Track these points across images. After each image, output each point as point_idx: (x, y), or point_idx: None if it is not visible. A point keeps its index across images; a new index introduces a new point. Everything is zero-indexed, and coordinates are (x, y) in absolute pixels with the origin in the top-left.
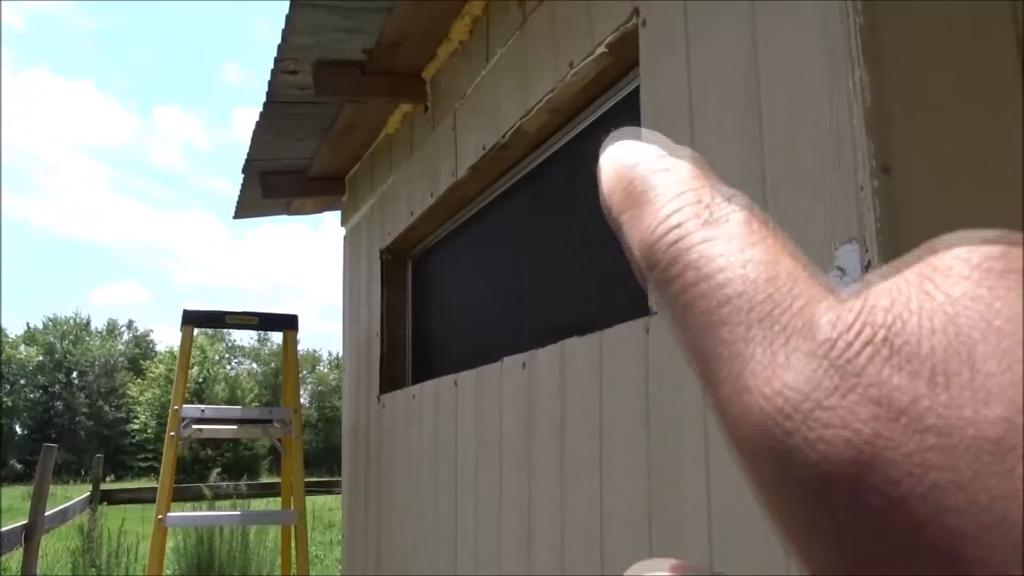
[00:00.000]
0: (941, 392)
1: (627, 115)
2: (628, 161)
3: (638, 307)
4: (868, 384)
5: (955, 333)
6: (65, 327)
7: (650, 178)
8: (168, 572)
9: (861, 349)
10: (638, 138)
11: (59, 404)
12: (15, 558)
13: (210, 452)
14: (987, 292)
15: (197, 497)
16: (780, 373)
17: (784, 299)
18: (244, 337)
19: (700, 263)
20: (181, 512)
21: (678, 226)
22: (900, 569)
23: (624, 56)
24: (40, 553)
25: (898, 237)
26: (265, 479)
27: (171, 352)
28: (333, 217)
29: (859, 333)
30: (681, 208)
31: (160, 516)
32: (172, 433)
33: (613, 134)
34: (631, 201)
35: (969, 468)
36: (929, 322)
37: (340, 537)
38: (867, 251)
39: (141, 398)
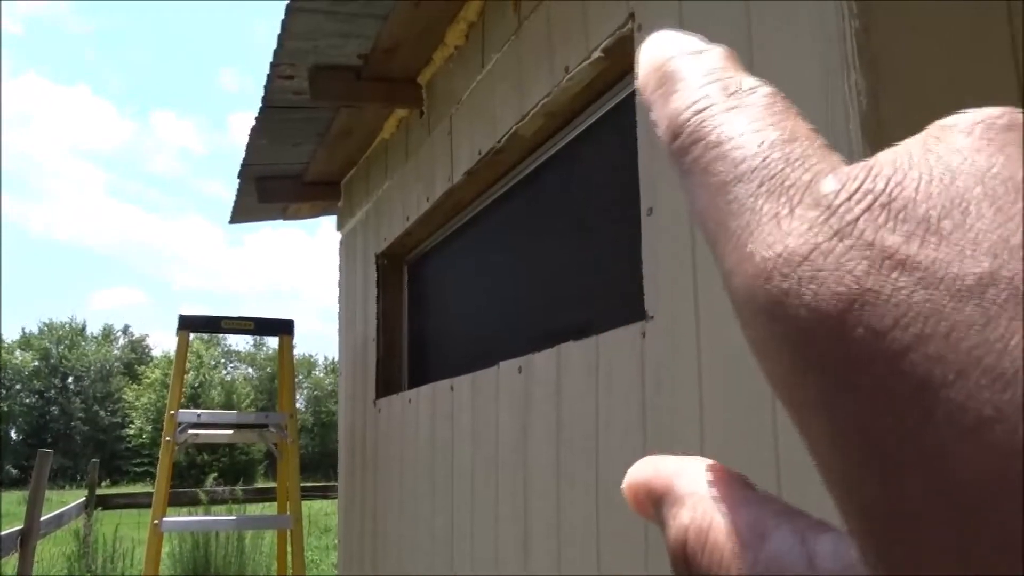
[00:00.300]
0: (934, 245)
1: (623, 120)
2: (663, 49)
3: (634, 311)
4: (862, 239)
5: (952, 187)
6: (61, 332)
7: (683, 62)
8: None
9: (858, 208)
10: (677, 32)
11: (55, 409)
12: (11, 563)
13: (206, 457)
14: (986, 145)
15: (193, 502)
16: (781, 229)
17: (795, 164)
18: (240, 342)
19: (721, 130)
20: (177, 517)
21: (704, 98)
22: (879, 399)
23: (620, 60)
24: (36, 558)
25: None
26: (261, 484)
27: (167, 357)
28: (329, 222)
29: (858, 193)
30: (708, 85)
31: (156, 521)
32: (168, 438)
33: (653, 34)
34: (662, 82)
35: (951, 307)
36: (928, 179)
37: (336, 542)
38: None
39: (137, 403)
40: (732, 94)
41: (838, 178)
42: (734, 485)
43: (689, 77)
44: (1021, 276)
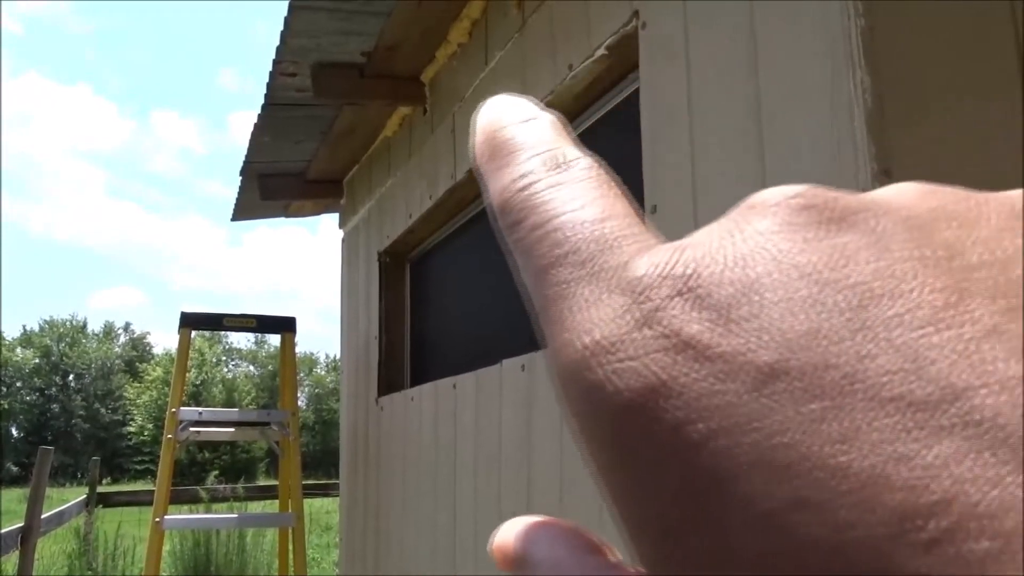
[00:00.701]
0: (730, 335)
1: (626, 117)
2: (495, 116)
3: None
4: (664, 328)
5: (747, 274)
6: (62, 329)
7: (512, 132)
8: (164, 574)
9: (662, 294)
10: (509, 99)
11: (55, 407)
12: (11, 561)
13: (207, 455)
14: (780, 229)
15: (194, 500)
16: (593, 317)
17: (611, 243)
18: (241, 340)
19: (542, 210)
20: (178, 515)
21: (528, 174)
22: (682, 494)
23: (623, 58)
24: (36, 556)
25: None
26: (262, 482)
27: (168, 355)
28: (330, 220)
29: (663, 279)
30: (533, 159)
31: (157, 519)
32: (170, 436)
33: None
34: (493, 155)
35: (743, 399)
36: (726, 264)
37: (337, 540)
38: None
39: (138, 401)
40: (554, 169)
41: (646, 262)
42: (587, 552)
43: (516, 150)
44: (803, 367)
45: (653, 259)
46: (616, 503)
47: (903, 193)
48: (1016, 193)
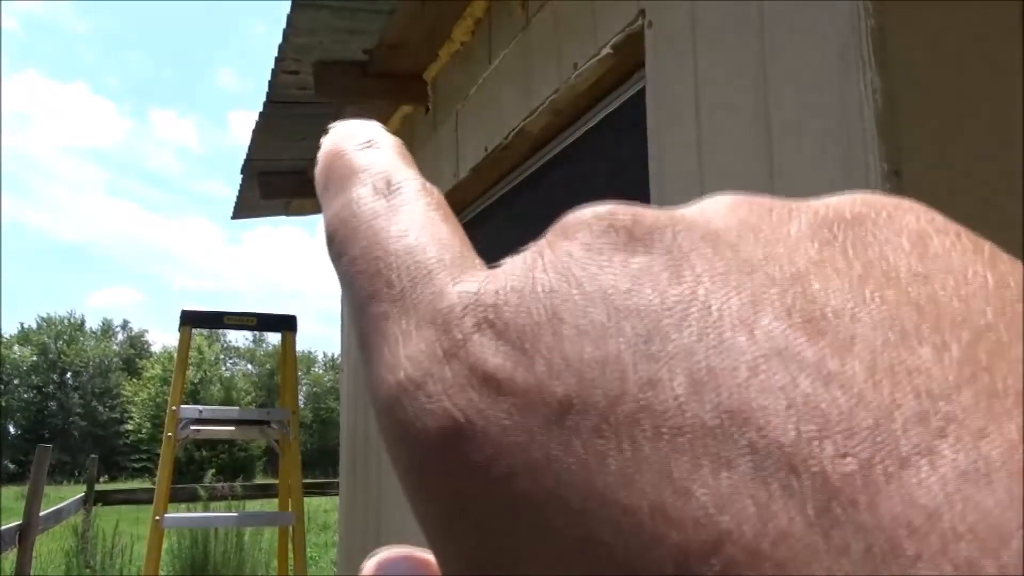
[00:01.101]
0: (530, 367)
1: (632, 116)
2: (334, 143)
3: None
4: (468, 362)
5: (550, 299)
6: (59, 327)
7: (348, 158)
8: (163, 574)
9: (467, 325)
10: (356, 124)
11: (53, 404)
12: (9, 558)
13: (205, 453)
14: (584, 252)
15: (192, 498)
16: (402, 353)
17: (428, 272)
18: (239, 338)
19: (363, 238)
20: (178, 513)
21: (352, 203)
22: (483, 535)
23: (629, 57)
24: (34, 554)
25: None
26: (260, 480)
27: (167, 353)
28: None
29: (470, 306)
30: (361, 187)
31: (157, 517)
32: (170, 434)
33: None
34: (327, 183)
35: (539, 435)
36: (531, 290)
37: (335, 539)
38: None
39: (136, 398)
40: (377, 195)
41: (455, 292)
42: None
43: (349, 175)
44: (596, 400)
45: (461, 288)
46: (427, 538)
47: (710, 207)
48: (825, 201)
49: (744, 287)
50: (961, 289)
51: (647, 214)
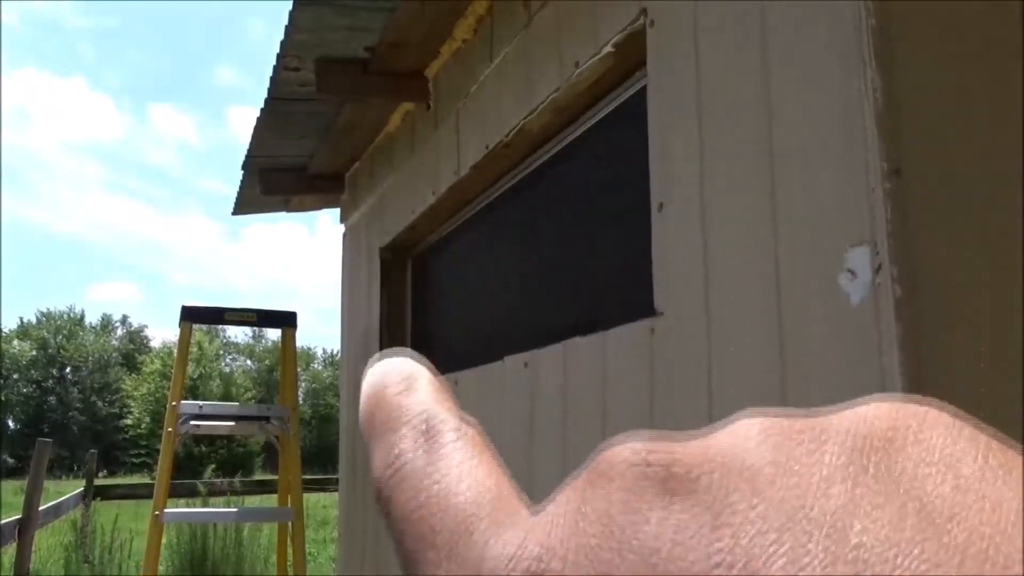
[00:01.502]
0: None
1: (633, 115)
2: (376, 383)
3: (643, 308)
4: None
5: (594, 562)
6: (59, 322)
7: (390, 403)
8: (161, 569)
9: None
10: (393, 362)
11: (52, 399)
12: (9, 552)
13: (204, 449)
14: (623, 505)
15: (191, 493)
16: None
17: (469, 524)
18: (239, 334)
19: (411, 493)
20: (177, 508)
21: (397, 456)
22: None
23: (631, 56)
24: (34, 548)
25: (909, 239)
26: (259, 476)
27: (166, 348)
28: (328, 218)
29: (513, 566)
30: (404, 438)
31: (157, 512)
32: (170, 429)
33: (373, 359)
34: (371, 428)
35: None
36: (574, 551)
37: (335, 535)
38: (877, 253)
39: (135, 393)
40: (416, 445)
41: (497, 550)
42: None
43: (391, 421)
44: None
45: (503, 547)
46: None
47: (742, 436)
48: (852, 418)
49: (786, 538)
50: (999, 524)
51: (682, 456)
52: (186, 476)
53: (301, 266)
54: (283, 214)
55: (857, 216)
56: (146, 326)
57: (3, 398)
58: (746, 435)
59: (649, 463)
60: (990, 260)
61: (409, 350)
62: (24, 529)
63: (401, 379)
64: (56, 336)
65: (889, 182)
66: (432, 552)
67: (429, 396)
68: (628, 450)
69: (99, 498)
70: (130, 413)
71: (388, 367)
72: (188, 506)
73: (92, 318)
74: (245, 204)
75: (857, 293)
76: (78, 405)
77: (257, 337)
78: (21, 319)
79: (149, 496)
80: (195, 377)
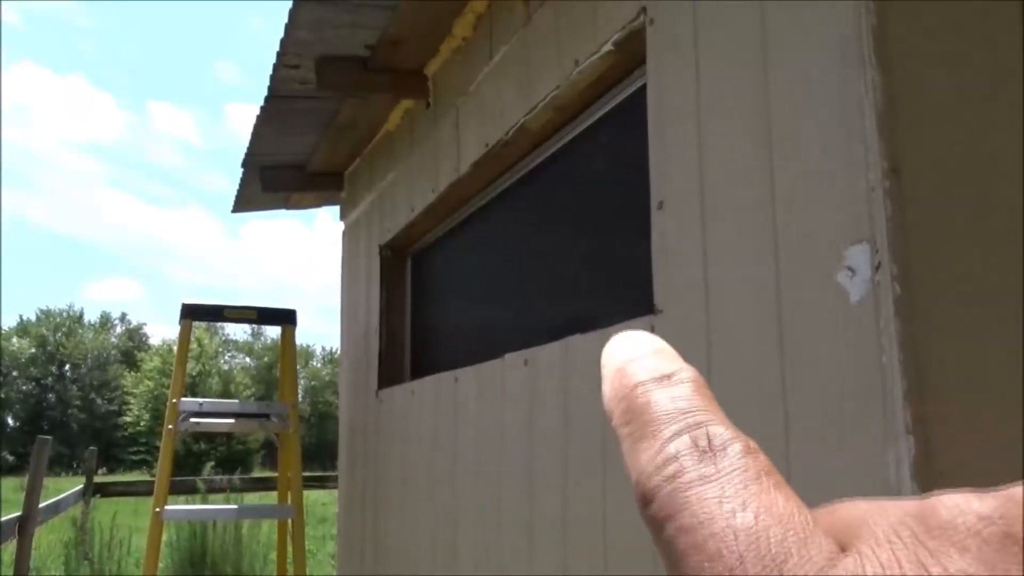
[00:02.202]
0: None
1: (633, 113)
2: (629, 371)
3: (643, 305)
4: None
5: None
6: (58, 319)
7: (650, 396)
8: (161, 566)
9: None
10: (641, 342)
11: (52, 396)
12: (9, 550)
13: (203, 446)
14: (978, 571)
15: (191, 491)
16: None
17: (776, 558)
18: (238, 332)
19: (692, 508)
20: (177, 505)
21: (675, 461)
22: None
23: (631, 55)
24: (33, 545)
25: (908, 237)
26: (258, 473)
27: (166, 345)
28: (327, 216)
29: None
30: (678, 439)
31: (157, 509)
32: (170, 426)
33: (617, 336)
34: (628, 418)
35: None
36: None
37: (334, 532)
38: (877, 251)
39: (135, 391)
40: (703, 455)
41: None
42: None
43: (657, 420)
44: None
45: None
46: None
47: None
48: None
49: None
50: None
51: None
52: (186, 473)
53: (301, 263)
54: (283, 211)
55: (856, 214)
56: (145, 323)
57: (3, 395)
58: None
59: (1005, 526)
60: (989, 257)
61: (650, 335)
62: (24, 526)
63: (657, 367)
64: (55, 333)
65: (888, 180)
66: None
67: (698, 397)
68: (967, 511)
69: (99, 495)
70: (130, 410)
71: (634, 350)
72: (188, 503)
73: (91, 315)
74: (245, 202)
75: (856, 291)
76: (77, 402)
77: (256, 335)
78: (21, 316)
79: (149, 493)
80: (195, 374)
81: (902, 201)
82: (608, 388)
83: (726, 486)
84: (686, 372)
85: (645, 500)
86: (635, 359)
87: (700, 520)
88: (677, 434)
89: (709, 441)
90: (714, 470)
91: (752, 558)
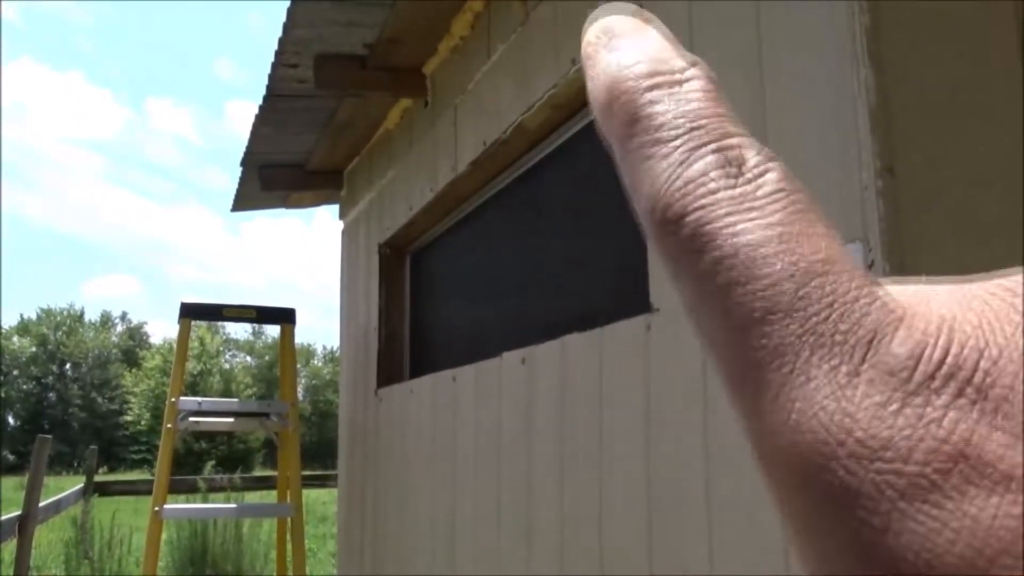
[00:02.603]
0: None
1: None
2: (625, 67)
3: (639, 304)
4: (954, 441)
5: None
6: (59, 318)
7: (655, 98)
8: (161, 565)
9: (947, 394)
10: (638, 24)
11: (52, 395)
12: (9, 548)
13: (204, 445)
14: None
15: (191, 490)
16: (845, 399)
17: (843, 306)
18: (239, 330)
19: (733, 240)
20: (177, 504)
21: (701, 179)
22: None
23: None
24: (34, 544)
25: (901, 237)
26: (259, 472)
27: (167, 344)
28: (326, 213)
29: (944, 372)
30: (702, 155)
31: (156, 508)
32: (169, 425)
33: (596, 12)
34: (631, 122)
35: None
36: (1015, 361)
37: (334, 531)
38: (871, 250)
39: (135, 389)
40: (736, 179)
41: (907, 344)
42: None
43: (671, 129)
44: None
45: (914, 342)
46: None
47: None
48: None
49: None
50: None
51: None
52: (187, 472)
53: (302, 261)
54: (283, 209)
55: (850, 213)
56: (146, 322)
57: (3, 394)
58: None
59: None
60: (982, 256)
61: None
62: (24, 525)
63: (662, 63)
64: (56, 332)
65: (882, 179)
66: (785, 322)
67: (715, 104)
68: None
69: (99, 494)
70: (130, 409)
71: (630, 32)
72: (188, 502)
73: (92, 314)
74: (244, 200)
75: None
76: (78, 401)
77: (257, 333)
78: (21, 315)
79: (149, 492)
80: (196, 373)
81: (895, 200)
82: (601, 82)
83: (768, 215)
84: (699, 68)
85: (671, 221)
86: (634, 46)
87: (744, 250)
88: (700, 148)
89: (743, 162)
90: (750, 195)
91: (813, 298)
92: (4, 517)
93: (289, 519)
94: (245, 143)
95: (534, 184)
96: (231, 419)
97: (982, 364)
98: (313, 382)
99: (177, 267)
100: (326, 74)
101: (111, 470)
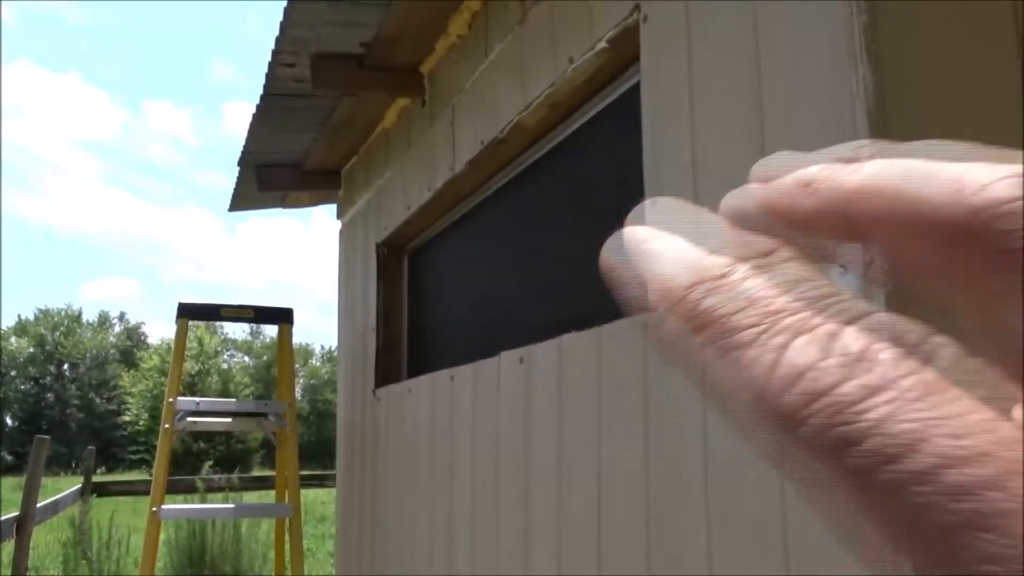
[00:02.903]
0: None
1: (627, 111)
2: (688, 256)
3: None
4: None
5: None
6: (56, 319)
7: (752, 278)
8: (159, 565)
9: None
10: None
11: (50, 396)
12: (7, 549)
13: (202, 445)
14: None
15: (189, 490)
16: None
17: None
18: (237, 330)
19: (943, 441)
20: (175, 505)
21: (874, 362)
22: None
23: (625, 52)
24: (32, 544)
25: None
26: (258, 472)
27: (165, 344)
28: (323, 213)
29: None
30: (858, 332)
31: (154, 508)
32: (167, 425)
33: (650, 205)
34: (717, 314)
35: None
36: None
37: (332, 531)
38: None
39: (133, 389)
40: (907, 357)
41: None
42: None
43: (788, 310)
44: None
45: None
46: None
47: None
48: None
49: None
50: None
51: None
52: (185, 472)
53: (299, 259)
54: (281, 209)
55: None
56: (143, 322)
57: (1, 395)
58: None
59: None
60: None
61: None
62: (22, 526)
63: (744, 244)
64: (54, 333)
65: None
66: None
67: (818, 276)
68: None
69: (97, 494)
70: (128, 409)
71: (681, 219)
72: (186, 502)
73: (90, 314)
74: (241, 201)
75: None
76: (76, 402)
77: (256, 333)
78: (19, 316)
79: (147, 492)
80: (194, 373)
81: None
82: (659, 280)
83: (964, 407)
84: (784, 248)
85: (833, 427)
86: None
87: (964, 464)
88: (848, 323)
89: (915, 337)
90: (938, 382)
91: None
92: (2, 518)
93: (287, 519)
94: (243, 143)
95: (532, 183)
96: (229, 419)
97: None
98: (311, 382)
99: (175, 267)
100: (323, 74)
101: (109, 470)
